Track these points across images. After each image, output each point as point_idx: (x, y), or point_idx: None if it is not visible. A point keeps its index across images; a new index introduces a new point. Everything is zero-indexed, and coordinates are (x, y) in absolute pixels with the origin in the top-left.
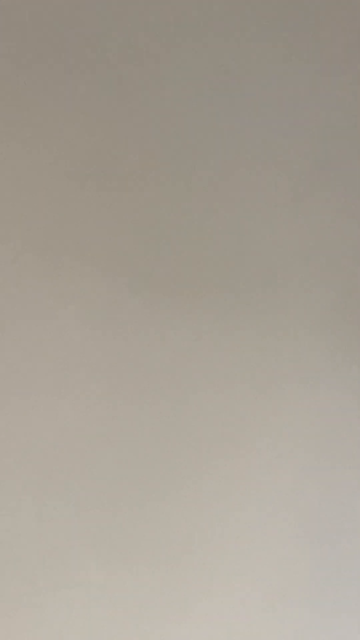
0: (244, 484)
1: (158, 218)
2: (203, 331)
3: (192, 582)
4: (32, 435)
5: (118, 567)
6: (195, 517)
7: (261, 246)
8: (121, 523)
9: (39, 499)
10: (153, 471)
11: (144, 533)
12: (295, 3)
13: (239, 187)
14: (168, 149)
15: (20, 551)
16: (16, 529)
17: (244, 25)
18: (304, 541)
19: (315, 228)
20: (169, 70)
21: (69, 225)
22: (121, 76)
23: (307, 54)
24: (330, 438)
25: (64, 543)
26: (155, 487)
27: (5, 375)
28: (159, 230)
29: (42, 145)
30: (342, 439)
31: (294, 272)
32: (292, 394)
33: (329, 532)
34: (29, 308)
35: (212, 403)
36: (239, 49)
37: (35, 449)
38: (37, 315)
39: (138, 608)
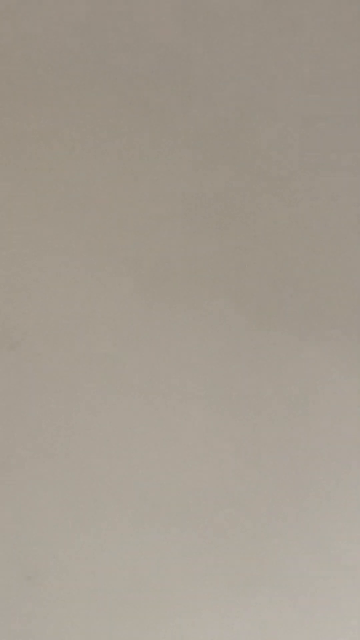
0: None
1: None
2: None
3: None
4: (139, 467)
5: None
6: (316, 551)
7: None
8: (235, 560)
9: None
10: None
11: (264, 571)
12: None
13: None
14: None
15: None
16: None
17: None
18: None
19: None
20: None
21: (193, 255)
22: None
23: None
24: None
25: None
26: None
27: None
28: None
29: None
30: None
31: None
32: None
33: None
34: (147, 337)
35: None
36: None
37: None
38: (155, 344)
39: None
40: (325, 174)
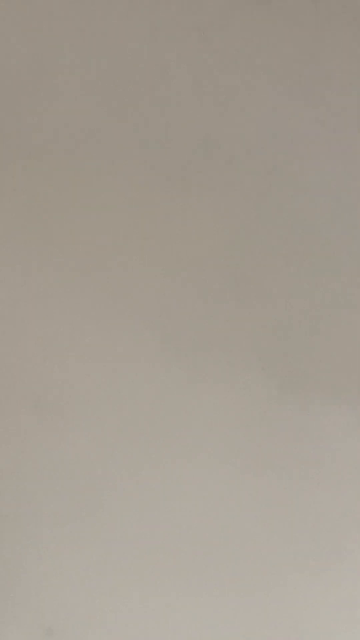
0: None
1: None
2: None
3: None
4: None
5: None
6: (326, 608)
7: None
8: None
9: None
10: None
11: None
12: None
13: None
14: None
15: None
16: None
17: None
18: None
19: None
20: None
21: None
22: None
23: None
24: None
25: None
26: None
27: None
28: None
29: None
30: None
31: None
32: None
33: None
34: (173, 405)
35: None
36: None
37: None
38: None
39: None
40: (351, 244)
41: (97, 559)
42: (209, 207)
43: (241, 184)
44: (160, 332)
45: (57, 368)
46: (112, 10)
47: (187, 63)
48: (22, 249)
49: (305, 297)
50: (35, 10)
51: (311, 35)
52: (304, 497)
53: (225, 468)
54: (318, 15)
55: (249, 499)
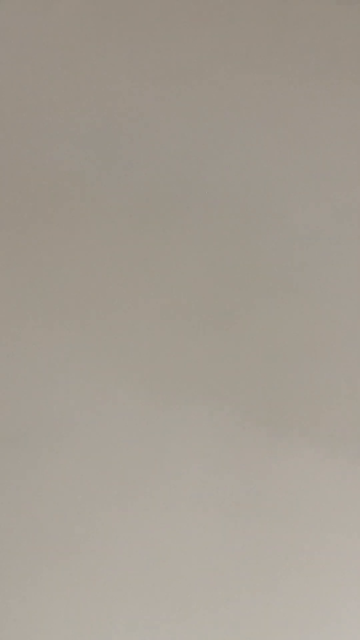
0: None
1: (269, 350)
2: (314, 468)
3: None
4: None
5: None
6: None
7: None
8: None
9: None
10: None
11: None
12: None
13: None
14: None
15: None
16: None
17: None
18: None
19: None
20: None
21: (178, 361)
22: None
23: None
24: None
25: None
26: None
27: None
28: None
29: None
30: None
31: None
32: None
33: None
34: (137, 441)
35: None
36: None
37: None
38: (144, 448)
39: None
40: (325, 286)
41: (81, 605)
42: (192, 249)
43: (223, 227)
44: (142, 373)
45: (42, 405)
46: (100, 57)
47: (172, 106)
48: (8, 285)
49: (285, 340)
50: (19, 57)
51: (291, 81)
52: (281, 538)
53: (205, 509)
54: (297, 61)
55: (228, 540)
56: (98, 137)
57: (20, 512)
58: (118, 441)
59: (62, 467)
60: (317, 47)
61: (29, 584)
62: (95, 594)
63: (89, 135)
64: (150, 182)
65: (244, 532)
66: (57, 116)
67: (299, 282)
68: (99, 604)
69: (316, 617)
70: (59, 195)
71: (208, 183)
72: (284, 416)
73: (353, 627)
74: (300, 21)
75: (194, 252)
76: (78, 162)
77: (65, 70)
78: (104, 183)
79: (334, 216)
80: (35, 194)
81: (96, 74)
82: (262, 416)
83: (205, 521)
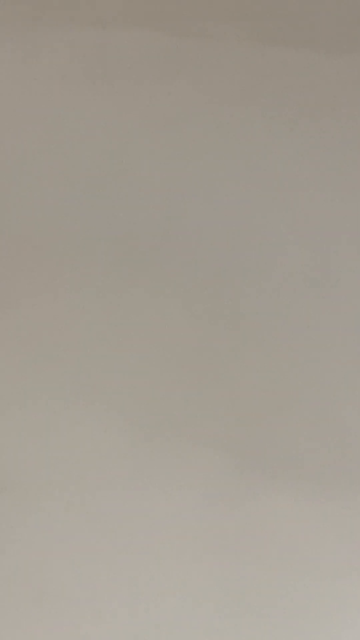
0: None
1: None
2: (300, 507)
3: None
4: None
5: None
6: None
7: None
8: None
9: None
10: None
11: None
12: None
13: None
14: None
15: None
16: None
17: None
18: None
19: None
20: None
21: (168, 401)
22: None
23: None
24: None
25: None
26: None
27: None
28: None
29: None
30: None
31: None
32: None
33: None
34: (125, 480)
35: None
36: None
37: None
38: (134, 488)
39: None
40: (311, 330)
41: None
42: (171, 293)
43: (207, 273)
44: (132, 417)
45: (19, 451)
46: (79, 100)
47: (152, 153)
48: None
49: (267, 382)
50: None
51: (270, 125)
52: (262, 580)
53: (187, 549)
54: (277, 104)
55: (208, 581)
56: (78, 186)
57: (7, 556)
58: (106, 483)
59: (53, 505)
60: (295, 93)
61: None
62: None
63: (70, 184)
64: (132, 229)
65: (222, 571)
66: (33, 168)
67: (284, 327)
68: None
69: None
70: (42, 244)
71: (189, 230)
72: (263, 458)
73: None
74: (279, 69)
75: (179, 297)
76: (59, 211)
77: (43, 124)
78: (85, 232)
79: (316, 260)
80: (18, 242)
81: (77, 123)
82: (242, 457)
83: (194, 561)
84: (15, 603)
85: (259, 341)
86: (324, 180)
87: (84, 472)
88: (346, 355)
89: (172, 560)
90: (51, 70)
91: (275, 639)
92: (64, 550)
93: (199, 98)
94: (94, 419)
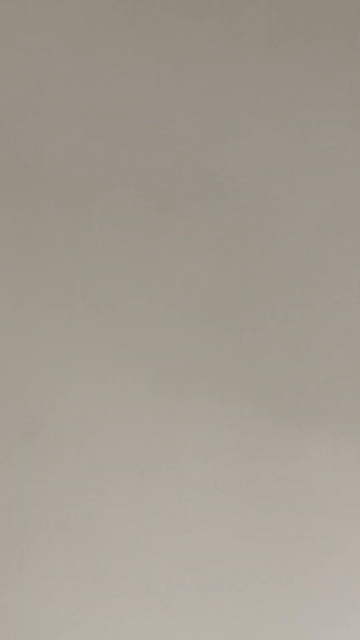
0: None
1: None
2: (324, 458)
3: None
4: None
5: None
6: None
7: None
8: None
9: None
10: None
11: None
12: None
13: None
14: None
15: None
16: None
17: None
18: None
19: None
20: None
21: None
22: None
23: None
24: None
25: None
26: None
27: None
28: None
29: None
30: None
31: None
32: None
33: None
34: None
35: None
36: None
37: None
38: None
39: None
40: (333, 276)
41: (90, 587)
42: (202, 236)
43: (235, 215)
44: (152, 362)
45: (49, 397)
46: (108, 42)
47: (184, 98)
48: (13, 277)
49: (298, 327)
50: (32, 51)
51: (304, 76)
52: (299, 528)
53: (218, 498)
54: (312, 58)
55: (243, 530)
56: (102, 133)
57: (22, 506)
58: (125, 431)
59: (66, 457)
60: (321, 39)
61: (29, 579)
62: (96, 586)
63: (93, 131)
64: (155, 177)
65: (252, 524)
66: (61, 112)
67: (307, 272)
68: (101, 597)
69: (324, 616)
70: (63, 190)
71: (212, 178)
72: (293, 406)
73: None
74: (305, 16)
75: (201, 243)
76: (83, 158)
77: (69, 66)
78: (108, 178)
79: (339, 209)
80: (39, 189)
81: (100, 70)
82: (272, 406)
83: (216, 508)
84: (48, 555)
85: (283, 284)
86: (351, 124)
87: (105, 422)
88: None
89: (203, 508)
90: (74, 11)
91: (313, 596)
92: (90, 496)
93: (232, 41)
94: (116, 366)
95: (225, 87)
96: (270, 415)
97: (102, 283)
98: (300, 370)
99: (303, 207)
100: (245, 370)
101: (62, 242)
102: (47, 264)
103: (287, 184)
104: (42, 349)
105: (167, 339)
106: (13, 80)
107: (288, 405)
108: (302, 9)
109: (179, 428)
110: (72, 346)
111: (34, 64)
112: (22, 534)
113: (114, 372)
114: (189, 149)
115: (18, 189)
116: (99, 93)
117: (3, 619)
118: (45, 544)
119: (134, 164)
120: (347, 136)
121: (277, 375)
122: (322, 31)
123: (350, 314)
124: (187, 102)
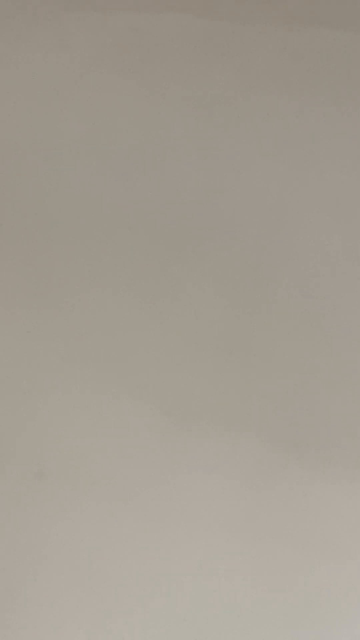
0: None
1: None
2: (335, 492)
3: None
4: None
5: None
6: None
7: None
8: None
9: None
10: None
11: None
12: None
13: None
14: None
15: None
16: None
17: None
18: None
19: None
20: None
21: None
22: None
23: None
24: None
25: None
26: None
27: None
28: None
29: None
30: None
31: None
32: None
33: None
34: (161, 467)
35: None
36: None
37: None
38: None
39: None
40: (344, 311)
41: (97, 629)
42: (208, 276)
43: (240, 254)
44: (160, 400)
45: (59, 438)
46: (114, 86)
47: (187, 136)
48: (23, 319)
49: (307, 362)
50: (36, 87)
51: (310, 109)
52: (305, 571)
53: (224, 538)
54: (315, 91)
55: (248, 572)
56: (106, 174)
57: (30, 537)
58: (132, 469)
59: (73, 491)
60: (335, 76)
61: (40, 617)
62: (103, 626)
63: (96, 173)
64: (162, 214)
65: (260, 564)
66: (68, 156)
67: (316, 307)
68: (106, 635)
69: None
70: (72, 230)
71: (218, 215)
72: (304, 442)
73: None
74: (317, 51)
75: (209, 278)
76: (89, 199)
77: (74, 94)
78: (114, 217)
79: (347, 244)
80: (47, 229)
81: (104, 113)
82: (281, 442)
83: (222, 548)
84: (56, 593)
85: (292, 319)
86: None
87: (119, 460)
88: None
89: (209, 548)
90: (85, 56)
91: (320, 629)
92: (103, 537)
93: (236, 82)
94: (124, 405)
95: (230, 127)
96: (280, 452)
97: (109, 320)
98: (311, 405)
99: (310, 242)
100: (254, 405)
101: (70, 279)
102: (55, 300)
103: (293, 220)
104: (50, 387)
105: (174, 375)
106: (20, 125)
107: (298, 441)
108: (305, 47)
109: (187, 464)
110: (79, 384)
111: (41, 108)
112: (32, 570)
113: (121, 411)
114: (195, 185)
115: (28, 231)
116: (104, 135)
117: None
118: (50, 587)
119: (140, 203)
120: (353, 173)
121: (286, 410)
122: (328, 67)
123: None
124: (192, 142)
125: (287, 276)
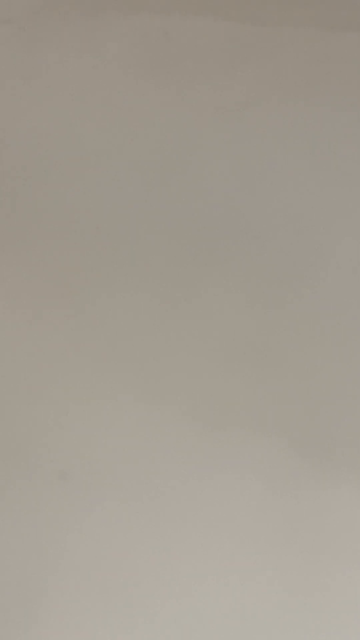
0: None
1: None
2: None
3: None
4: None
5: None
6: None
7: None
8: None
9: None
10: None
11: None
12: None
13: None
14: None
15: None
16: None
17: None
18: None
19: None
20: None
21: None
22: None
23: None
24: None
25: None
26: None
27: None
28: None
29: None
30: None
31: None
32: None
33: None
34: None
35: None
36: None
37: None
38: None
39: None
40: None
41: (122, 630)
42: (232, 281)
43: (270, 262)
44: (186, 405)
45: (83, 439)
46: (143, 89)
47: (216, 139)
48: (55, 323)
49: (333, 372)
50: (54, 93)
51: (341, 115)
52: (330, 577)
53: (252, 542)
54: (348, 96)
55: (271, 578)
56: (135, 182)
57: (54, 541)
58: (153, 466)
59: (99, 495)
60: (358, 77)
61: (57, 620)
62: (122, 606)
63: (125, 181)
64: (190, 226)
65: (287, 568)
66: (95, 145)
67: (344, 314)
68: (126, 616)
69: None
70: (100, 239)
71: (248, 226)
72: (329, 450)
73: None
74: (346, 56)
75: (233, 281)
76: (116, 207)
77: (103, 97)
78: (143, 228)
79: None
80: (70, 225)
81: (134, 105)
82: (308, 445)
83: (246, 554)
84: (81, 593)
85: (326, 331)
86: None
87: (143, 462)
88: None
89: (234, 552)
90: (114, 59)
91: (341, 634)
92: (125, 540)
93: (266, 86)
94: (149, 409)
95: (259, 132)
96: (307, 457)
97: (139, 325)
98: (339, 411)
99: (340, 254)
100: (281, 410)
101: (92, 289)
102: (79, 311)
103: (322, 227)
104: (77, 392)
105: (201, 380)
106: (51, 128)
107: (325, 446)
108: (337, 52)
109: (213, 469)
110: (105, 389)
111: (71, 111)
112: (55, 571)
113: (146, 415)
114: (222, 190)
115: (47, 236)
116: (132, 139)
117: None
118: (79, 581)
119: (167, 208)
120: None
121: (313, 416)
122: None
123: None
124: (221, 145)
125: (315, 281)
